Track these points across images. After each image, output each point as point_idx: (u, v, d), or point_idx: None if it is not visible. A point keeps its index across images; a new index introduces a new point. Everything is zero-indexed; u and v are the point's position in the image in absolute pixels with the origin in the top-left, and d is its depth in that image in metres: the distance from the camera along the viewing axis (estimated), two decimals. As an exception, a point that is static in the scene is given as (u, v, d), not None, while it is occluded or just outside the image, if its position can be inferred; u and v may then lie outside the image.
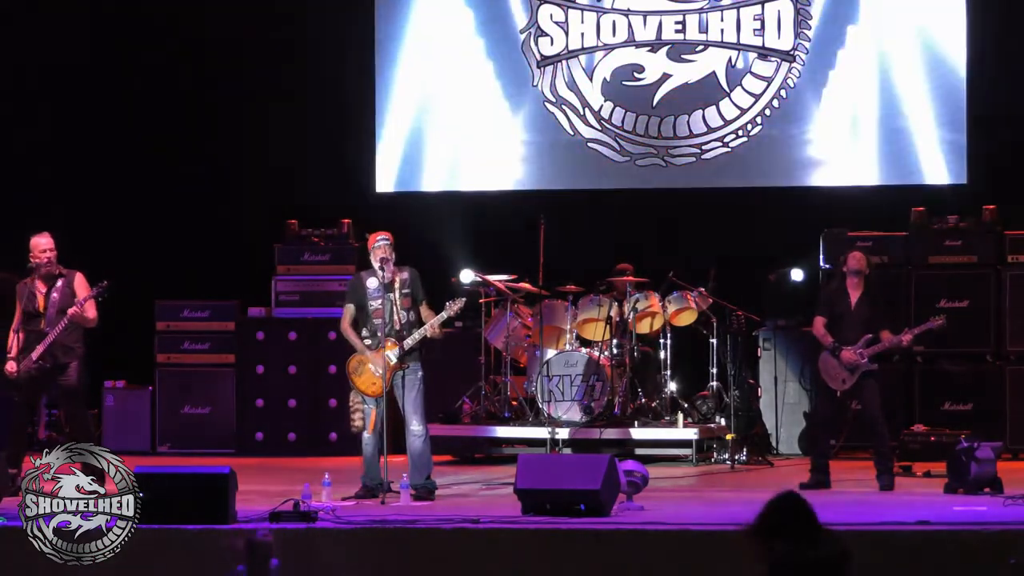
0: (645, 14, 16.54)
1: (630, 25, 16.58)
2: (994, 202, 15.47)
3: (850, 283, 12.67)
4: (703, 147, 16.48)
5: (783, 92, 16.36)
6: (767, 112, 16.39)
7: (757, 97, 16.41)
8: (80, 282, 12.27)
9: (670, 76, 16.53)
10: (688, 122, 16.49)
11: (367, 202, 16.45)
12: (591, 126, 16.61)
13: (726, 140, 16.46)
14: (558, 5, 16.60)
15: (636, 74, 16.60)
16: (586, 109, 16.59)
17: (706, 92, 16.48)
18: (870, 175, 16.35)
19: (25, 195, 16.27)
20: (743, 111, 16.42)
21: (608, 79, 16.63)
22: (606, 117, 16.58)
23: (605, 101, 16.61)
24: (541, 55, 16.68)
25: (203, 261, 16.42)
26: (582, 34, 16.65)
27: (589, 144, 16.62)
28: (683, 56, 16.51)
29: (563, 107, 16.64)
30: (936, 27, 16.16)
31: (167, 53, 16.78)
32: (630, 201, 16.54)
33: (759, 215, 16.15)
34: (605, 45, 16.57)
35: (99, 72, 16.82)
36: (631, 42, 16.56)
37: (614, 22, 16.60)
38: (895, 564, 9.52)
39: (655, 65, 16.55)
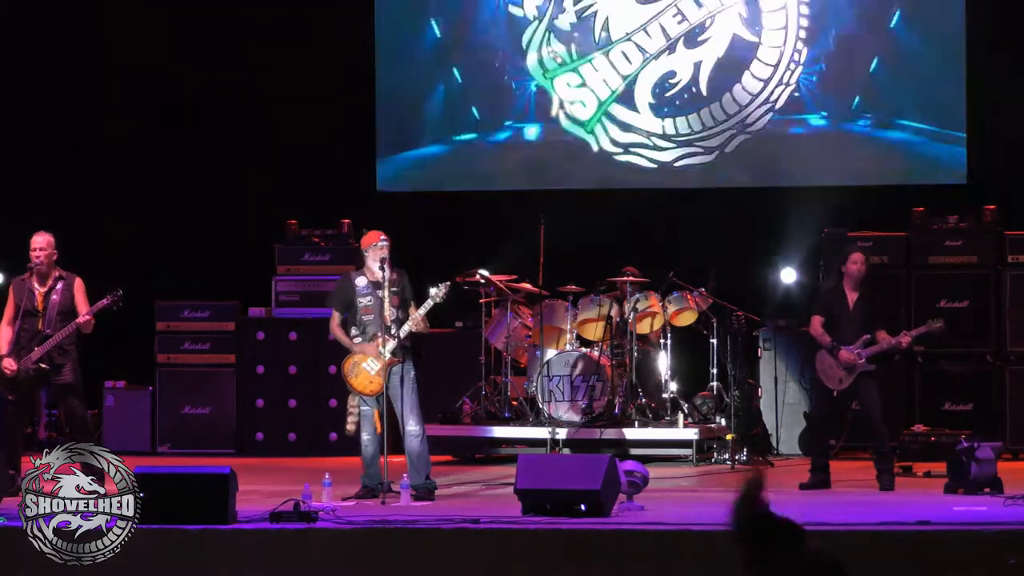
0: (643, 27, 16.50)
1: (637, 45, 16.52)
2: (994, 202, 15.48)
3: (847, 283, 12.65)
4: (770, 97, 16.34)
5: (803, 20, 16.26)
6: (798, 47, 16.25)
7: (785, 28, 16.30)
8: (79, 287, 12.27)
9: (701, 62, 16.47)
10: (744, 87, 16.38)
11: (367, 202, 16.45)
12: (667, 148, 16.50)
13: (784, 79, 16.32)
14: (569, 72, 16.51)
15: (671, 81, 16.54)
16: (652, 138, 16.50)
17: (740, 53, 16.41)
18: (870, 175, 16.36)
19: (25, 195, 16.27)
20: (782, 49, 16.32)
21: (653, 101, 16.56)
22: (675, 133, 16.50)
23: (664, 119, 16.55)
24: (582, 120, 16.60)
25: (203, 261, 16.42)
26: (604, 80, 16.58)
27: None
28: (699, 39, 16.47)
29: (632, 151, 16.54)
30: (937, 26, 16.17)
31: (166, 53, 16.78)
32: (630, 201, 16.55)
33: (759, 215, 16.16)
34: (627, 77, 16.48)
35: (99, 72, 16.82)
36: (649, 58, 16.50)
37: (623, 52, 16.55)
38: (895, 564, 9.52)
39: (682, 62, 16.49)
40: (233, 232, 16.38)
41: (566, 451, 14.07)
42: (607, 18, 16.59)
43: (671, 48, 16.52)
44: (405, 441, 11.87)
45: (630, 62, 16.55)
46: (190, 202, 16.66)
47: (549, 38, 16.64)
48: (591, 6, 16.59)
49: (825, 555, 5.76)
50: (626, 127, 16.59)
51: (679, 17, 16.51)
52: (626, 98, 16.59)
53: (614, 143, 16.61)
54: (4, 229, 14.10)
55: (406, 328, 11.76)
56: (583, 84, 16.62)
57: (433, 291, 11.87)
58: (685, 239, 15.89)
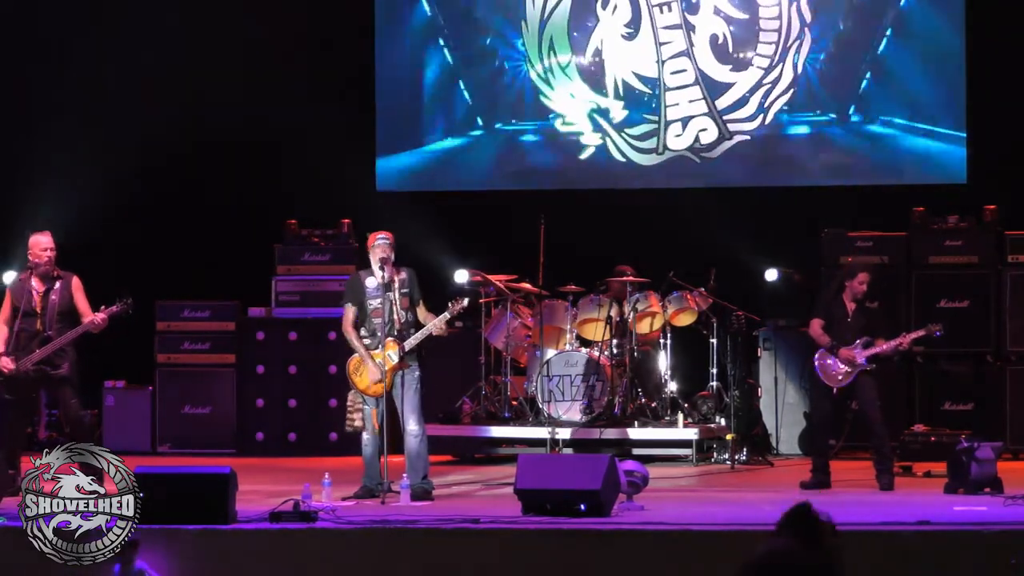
0: (659, 44, 16.44)
1: (674, 55, 16.44)
2: (994, 202, 15.48)
3: (847, 295, 12.69)
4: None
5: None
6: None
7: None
8: (77, 286, 12.24)
9: (715, 6, 16.41)
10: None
11: (367, 202, 16.45)
12: (781, 77, 16.39)
13: None
14: (669, 126, 16.41)
15: (719, 43, 16.44)
16: (764, 83, 16.38)
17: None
18: (870, 175, 16.36)
19: (26, 195, 16.28)
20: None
21: (730, 65, 16.42)
22: (769, 60, 16.33)
23: (751, 65, 16.40)
24: (714, 139, 16.49)
25: (203, 261, 16.42)
26: (690, 102, 16.48)
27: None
28: (694, 1, 16.49)
29: (770, 104, 16.38)
30: (937, 26, 16.17)
31: (166, 52, 16.78)
32: (630, 201, 16.55)
33: (759, 215, 16.16)
34: (696, 80, 16.47)
35: (98, 71, 16.82)
36: (688, 52, 16.44)
37: (672, 72, 16.46)
38: (895, 564, 9.52)
39: (706, 22, 16.43)
40: (233, 232, 16.38)
41: (566, 451, 14.06)
42: (632, 73, 16.56)
43: (690, 28, 16.46)
44: (405, 441, 11.87)
45: (685, 70, 16.52)
46: (190, 202, 16.65)
47: (628, 136, 16.59)
48: (616, 79, 16.56)
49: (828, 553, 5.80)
50: (742, 102, 16.45)
51: (665, 8, 16.49)
52: (714, 88, 16.51)
53: (751, 118, 16.46)
54: (5, 230, 14.10)
55: (424, 332, 11.72)
56: (687, 119, 16.53)
57: (451, 304, 11.80)
58: (685, 239, 15.88)
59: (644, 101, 16.62)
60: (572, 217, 15.78)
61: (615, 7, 16.58)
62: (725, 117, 16.52)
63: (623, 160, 16.66)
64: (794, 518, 5.90)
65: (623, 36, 16.59)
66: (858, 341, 12.47)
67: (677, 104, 16.54)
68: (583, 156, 16.68)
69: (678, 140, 16.58)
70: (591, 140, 16.70)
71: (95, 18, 16.85)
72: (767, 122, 16.42)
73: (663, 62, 16.51)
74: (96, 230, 16.22)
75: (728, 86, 16.52)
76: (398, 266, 11.89)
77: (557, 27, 16.67)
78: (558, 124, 16.72)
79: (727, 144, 16.53)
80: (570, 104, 16.70)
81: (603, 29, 16.62)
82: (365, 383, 11.83)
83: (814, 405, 13.41)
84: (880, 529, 9.91)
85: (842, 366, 12.48)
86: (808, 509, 5.93)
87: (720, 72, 16.52)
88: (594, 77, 16.66)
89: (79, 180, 16.69)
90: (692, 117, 16.56)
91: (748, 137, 16.48)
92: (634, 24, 16.56)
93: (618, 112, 16.65)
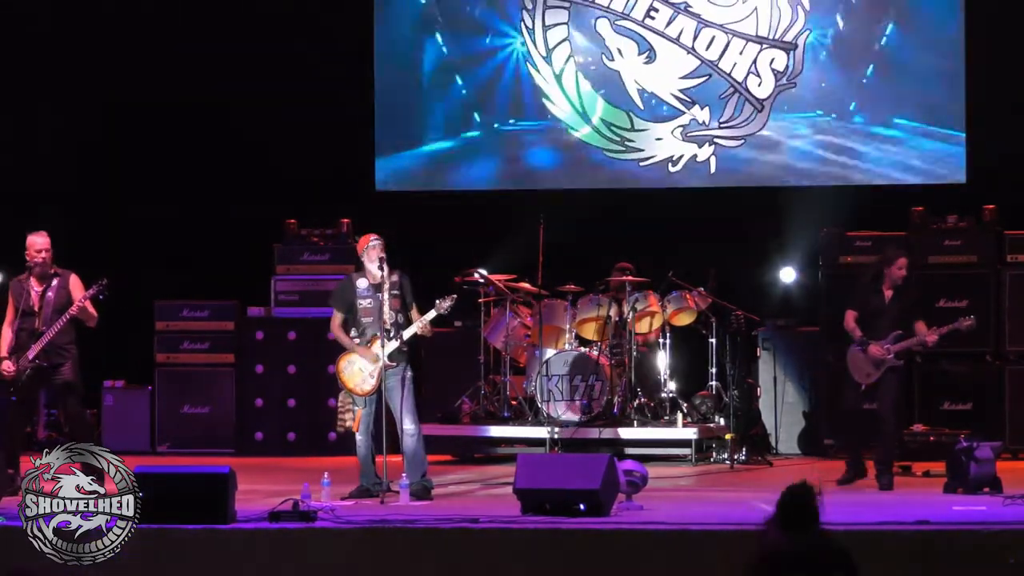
0: (674, 41, 16.42)
1: (695, 32, 16.43)
2: (994, 202, 15.47)
3: (887, 283, 12.73)
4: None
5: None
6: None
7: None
8: (75, 283, 12.27)
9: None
10: None
11: (367, 202, 16.45)
12: None
13: None
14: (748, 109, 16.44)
15: (728, 8, 16.48)
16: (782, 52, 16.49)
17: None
18: (870, 175, 16.36)
19: (25, 194, 16.27)
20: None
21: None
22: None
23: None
24: (766, 92, 16.43)
25: (203, 261, 16.42)
26: (740, 52, 16.41)
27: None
28: None
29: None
30: (935, 25, 16.17)
31: (167, 52, 16.78)
32: (630, 201, 16.55)
33: (759, 215, 16.16)
34: (730, 39, 16.44)
35: (100, 71, 16.82)
36: (705, 23, 16.41)
37: (703, 43, 16.43)
38: (895, 564, 9.52)
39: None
40: (233, 232, 16.38)
41: (565, 451, 14.05)
42: (679, 79, 16.48)
43: (686, 7, 16.39)
44: (401, 440, 11.87)
45: (714, 36, 16.42)
46: (190, 201, 16.65)
47: (726, 124, 16.45)
48: (674, 96, 16.49)
49: (835, 541, 5.81)
50: (776, 17, 16.30)
51: (653, 12, 16.47)
52: (747, 27, 16.38)
53: (792, 23, 16.32)
54: (5, 229, 14.09)
55: (409, 332, 11.75)
56: (752, 67, 16.34)
57: (438, 302, 11.86)
58: (685, 239, 15.88)
59: (711, 88, 16.53)
60: (572, 217, 15.78)
61: (619, 50, 16.55)
62: (775, 37, 16.40)
63: (741, 141, 16.54)
64: (789, 506, 5.87)
65: (645, 63, 16.56)
66: (891, 335, 12.53)
67: (735, 64, 16.46)
68: (713, 171, 16.49)
69: (763, 87, 16.47)
70: (705, 153, 16.56)
71: (92, 16, 16.86)
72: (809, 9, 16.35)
73: (692, 48, 16.48)
74: (96, 230, 16.23)
75: (752, 15, 16.41)
76: (391, 268, 11.92)
77: (592, 103, 16.64)
78: (670, 167, 16.59)
79: (797, 53, 16.37)
80: (665, 145, 16.59)
81: (628, 73, 16.58)
82: (352, 381, 11.86)
83: (843, 399, 13.17)
84: (880, 529, 9.92)
85: (870, 364, 12.54)
86: (804, 495, 5.89)
87: (738, 11, 16.44)
88: (660, 109, 16.57)
89: (78, 179, 16.72)
90: (754, 61, 16.48)
91: (806, 34, 16.31)
92: (644, 46, 16.52)
93: (702, 115, 16.56)
